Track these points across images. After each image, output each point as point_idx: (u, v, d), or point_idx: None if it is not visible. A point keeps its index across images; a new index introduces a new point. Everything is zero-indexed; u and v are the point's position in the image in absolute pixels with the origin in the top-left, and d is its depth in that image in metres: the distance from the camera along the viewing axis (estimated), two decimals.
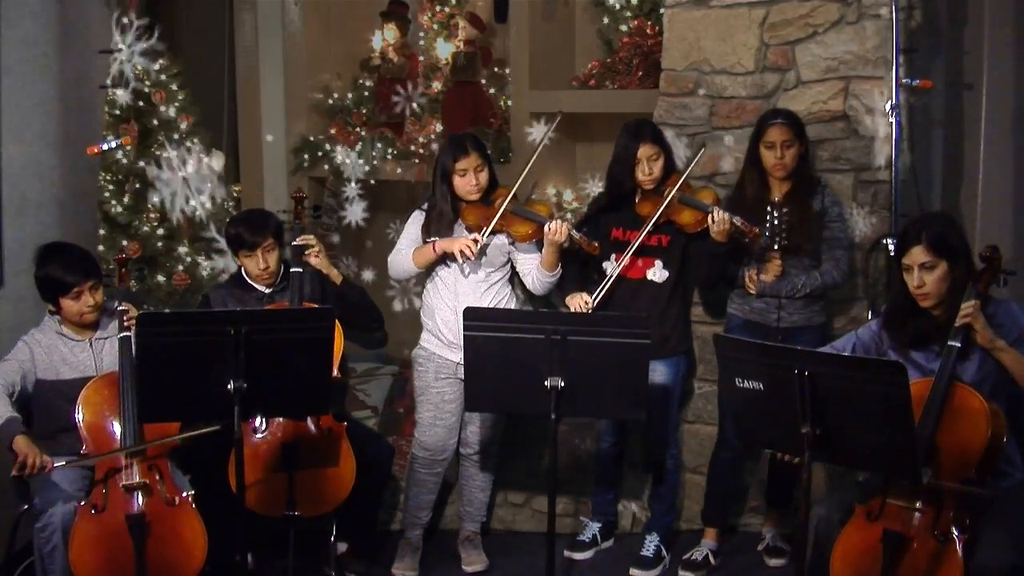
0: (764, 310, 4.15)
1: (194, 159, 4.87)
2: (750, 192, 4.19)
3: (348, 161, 5.23)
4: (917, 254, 3.39)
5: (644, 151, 4.17)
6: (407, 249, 4.25)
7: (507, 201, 4.13)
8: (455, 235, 4.19)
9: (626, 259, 4.14)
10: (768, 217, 3.99)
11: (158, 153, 4.83)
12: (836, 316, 4.42)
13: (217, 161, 5.06)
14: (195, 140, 4.94)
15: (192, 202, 4.89)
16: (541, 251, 4.17)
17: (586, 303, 4.13)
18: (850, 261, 4.25)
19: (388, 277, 4.52)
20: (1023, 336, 3.37)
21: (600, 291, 4.15)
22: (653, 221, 4.12)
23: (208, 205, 4.91)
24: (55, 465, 3.61)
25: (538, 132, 4.82)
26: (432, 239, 4.18)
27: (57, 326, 3.87)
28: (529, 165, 4.26)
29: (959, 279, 3.39)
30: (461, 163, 4.13)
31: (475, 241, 4.07)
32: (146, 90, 4.85)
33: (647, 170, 4.18)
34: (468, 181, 4.15)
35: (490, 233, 4.11)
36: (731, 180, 4.48)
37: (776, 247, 4.01)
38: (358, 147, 5.36)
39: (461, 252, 4.08)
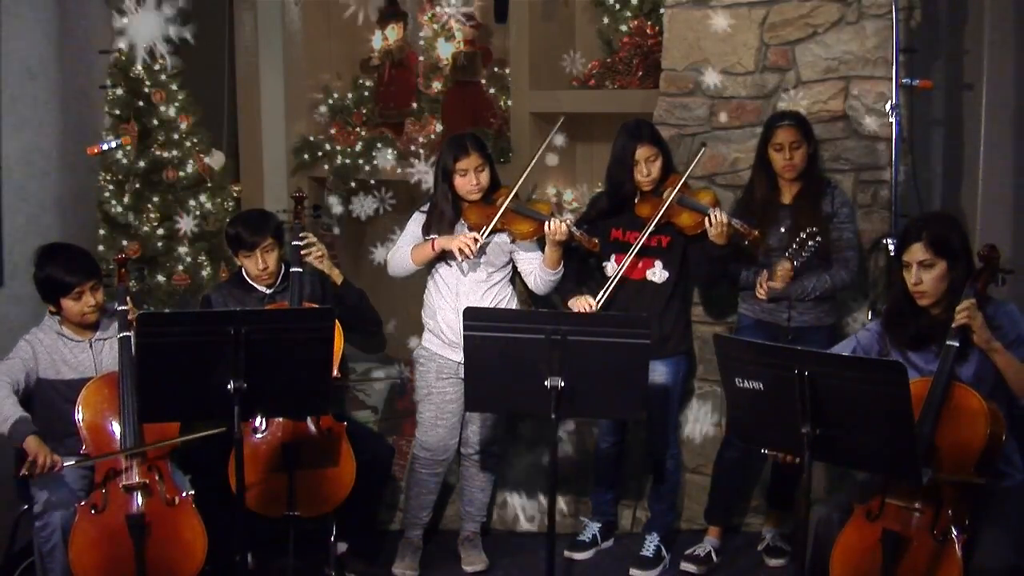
0: (775, 310, 4.15)
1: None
2: (759, 195, 4.20)
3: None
4: (916, 251, 3.40)
5: (642, 152, 4.17)
6: (406, 247, 4.25)
7: (508, 200, 4.13)
8: (456, 234, 4.19)
9: (627, 261, 4.14)
10: (799, 240, 3.94)
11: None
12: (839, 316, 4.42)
13: (217, 161, 5.06)
14: (195, 140, 4.95)
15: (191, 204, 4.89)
16: (543, 250, 4.18)
17: (590, 306, 4.13)
18: (859, 262, 4.25)
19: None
20: (1020, 338, 3.37)
21: (604, 293, 4.14)
22: (653, 224, 4.12)
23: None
24: (64, 464, 3.61)
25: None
26: (431, 236, 4.18)
27: (57, 327, 3.86)
28: (531, 165, 4.26)
29: (958, 279, 3.39)
30: (462, 163, 4.13)
31: (475, 240, 4.07)
32: (146, 90, 4.85)
33: (645, 171, 4.18)
34: (468, 181, 4.14)
35: (491, 232, 4.11)
36: (731, 180, 4.49)
37: (795, 263, 3.97)
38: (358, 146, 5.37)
39: (460, 250, 4.08)
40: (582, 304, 4.15)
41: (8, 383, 3.71)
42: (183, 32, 4.93)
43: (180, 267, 4.87)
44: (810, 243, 3.92)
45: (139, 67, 4.82)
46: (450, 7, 5.34)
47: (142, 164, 4.83)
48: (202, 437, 3.72)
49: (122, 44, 4.81)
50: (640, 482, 4.64)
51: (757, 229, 4.02)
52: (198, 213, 4.91)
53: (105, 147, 4.77)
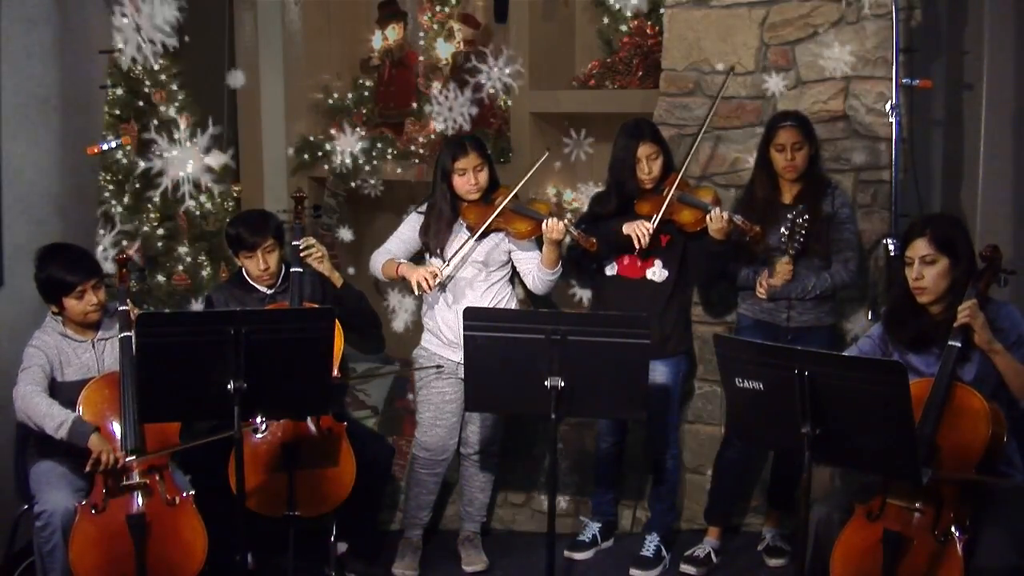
0: (774, 310, 4.16)
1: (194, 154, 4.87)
2: (760, 194, 4.20)
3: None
4: (919, 246, 3.40)
5: (643, 150, 4.18)
6: (388, 253, 4.27)
7: (507, 200, 4.13)
8: (454, 234, 4.20)
9: (650, 230, 4.12)
10: (789, 224, 3.95)
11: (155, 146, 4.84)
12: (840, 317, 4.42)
13: (217, 161, 5.06)
14: (195, 140, 4.94)
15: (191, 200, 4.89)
16: (542, 250, 4.18)
17: (647, 230, 4.08)
18: (860, 262, 4.25)
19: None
20: (1021, 340, 3.37)
21: (657, 216, 4.10)
22: (656, 222, 4.12)
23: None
24: (127, 460, 3.64)
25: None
26: (399, 261, 4.20)
27: (60, 327, 3.86)
28: (532, 170, 4.27)
29: (960, 279, 3.39)
30: (460, 162, 4.14)
31: (434, 275, 4.08)
32: (146, 90, 4.85)
33: (647, 169, 4.19)
34: (467, 181, 4.15)
35: (479, 237, 4.12)
36: (731, 180, 4.49)
37: (791, 252, 3.99)
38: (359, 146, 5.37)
39: (418, 284, 4.09)
40: (639, 228, 4.11)
41: (41, 390, 3.71)
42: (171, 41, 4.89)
43: (180, 267, 4.87)
44: (800, 220, 3.92)
45: (135, 67, 4.81)
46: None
47: (142, 164, 4.84)
48: (216, 440, 3.71)
49: (118, 43, 4.79)
50: (640, 482, 4.64)
51: (758, 225, 4.02)
52: (198, 213, 4.91)
53: (105, 147, 4.77)
